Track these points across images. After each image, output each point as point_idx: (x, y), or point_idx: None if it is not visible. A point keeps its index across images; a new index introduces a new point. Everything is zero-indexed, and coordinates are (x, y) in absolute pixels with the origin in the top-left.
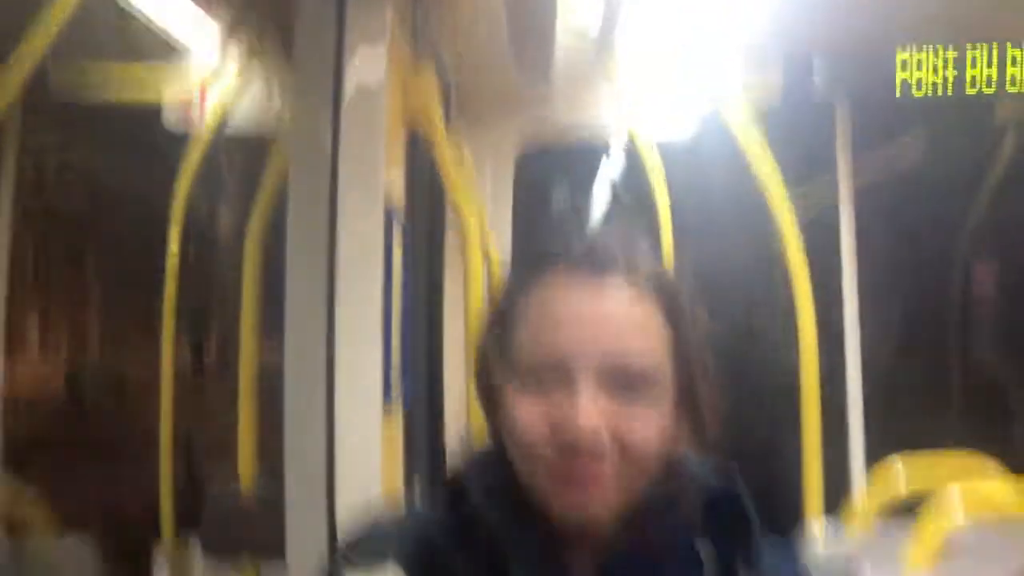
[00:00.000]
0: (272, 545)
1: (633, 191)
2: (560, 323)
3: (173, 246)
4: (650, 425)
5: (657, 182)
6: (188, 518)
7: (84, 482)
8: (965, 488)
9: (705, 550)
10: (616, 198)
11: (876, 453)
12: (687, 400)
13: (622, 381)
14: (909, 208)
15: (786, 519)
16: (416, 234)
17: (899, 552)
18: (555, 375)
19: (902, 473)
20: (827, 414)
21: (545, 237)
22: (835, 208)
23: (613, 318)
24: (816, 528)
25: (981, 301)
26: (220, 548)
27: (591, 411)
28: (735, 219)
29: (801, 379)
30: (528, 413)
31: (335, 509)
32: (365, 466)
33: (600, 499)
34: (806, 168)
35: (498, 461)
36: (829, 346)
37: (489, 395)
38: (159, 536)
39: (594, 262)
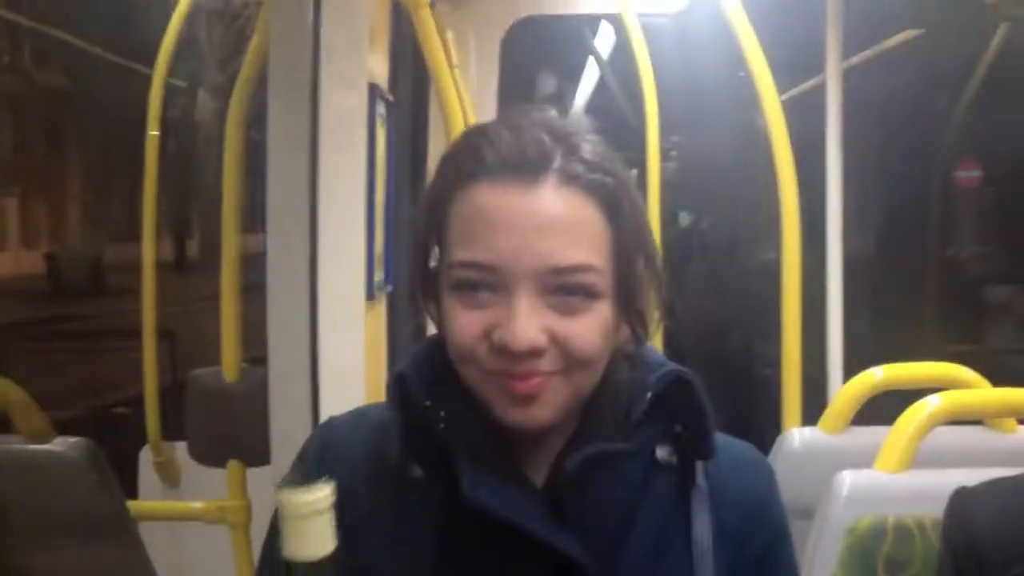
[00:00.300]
0: (255, 435)
1: (620, 72)
2: (494, 231)
3: (152, 129)
4: (591, 328)
5: (643, 62)
6: (173, 416)
7: (66, 372)
8: (943, 395)
9: (662, 449)
10: (603, 79)
11: (854, 357)
12: (629, 296)
13: (561, 286)
14: (895, 103)
15: (762, 424)
16: (400, 114)
17: (873, 458)
18: (491, 284)
19: (880, 379)
20: (806, 315)
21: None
22: (821, 100)
23: (549, 223)
24: (791, 433)
25: (963, 198)
26: (202, 433)
27: (529, 320)
28: (722, 103)
29: (783, 273)
30: (466, 324)
31: (319, 400)
32: (349, 356)
33: (543, 410)
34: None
35: (444, 356)
36: (811, 242)
37: (428, 292)
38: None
39: (529, 163)
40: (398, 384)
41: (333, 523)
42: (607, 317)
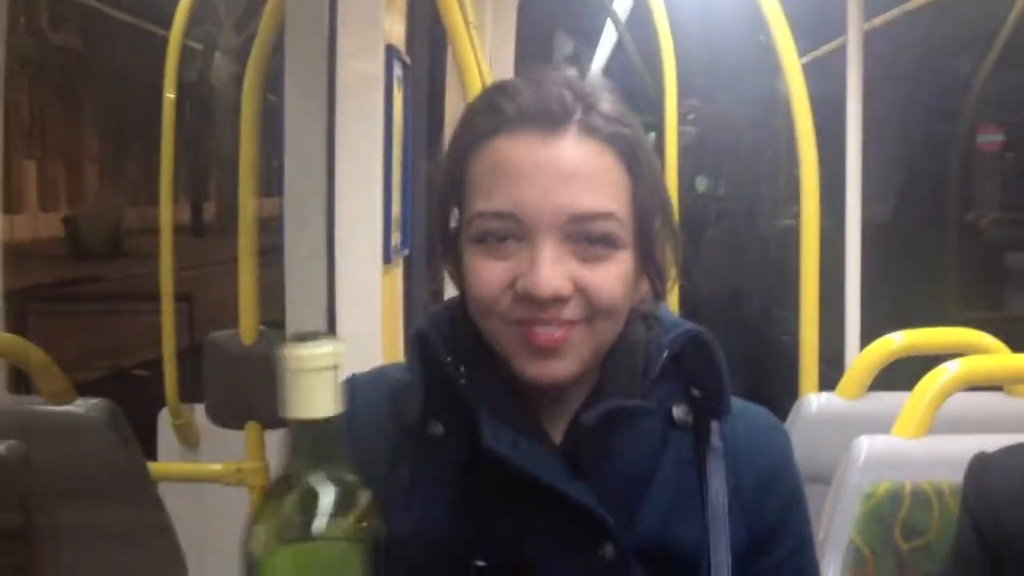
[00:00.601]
0: (272, 398)
1: (638, 35)
2: (516, 180)
3: (169, 92)
4: (614, 277)
5: (662, 25)
6: (192, 379)
7: (86, 334)
8: (961, 361)
9: (679, 408)
10: (620, 42)
11: (873, 323)
12: (648, 249)
13: (583, 234)
14: (916, 66)
15: (779, 390)
16: (417, 75)
17: (891, 424)
18: (514, 234)
19: (898, 345)
20: (824, 281)
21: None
22: (842, 64)
23: (571, 171)
24: (808, 398)
25: (984, 162)
26: (220, 395)
27: (554, 268)
28: (741, 67)
29: (801, 238)
30: (490, 274)
31: None
32: (366, 319)
33: (563, 364)
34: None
35: (465, 315)
36: (830, 207)
37: (448, 250)
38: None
39: (550, 115)
40: (418, 340)
41: (338, 383)
42: (628, 267)
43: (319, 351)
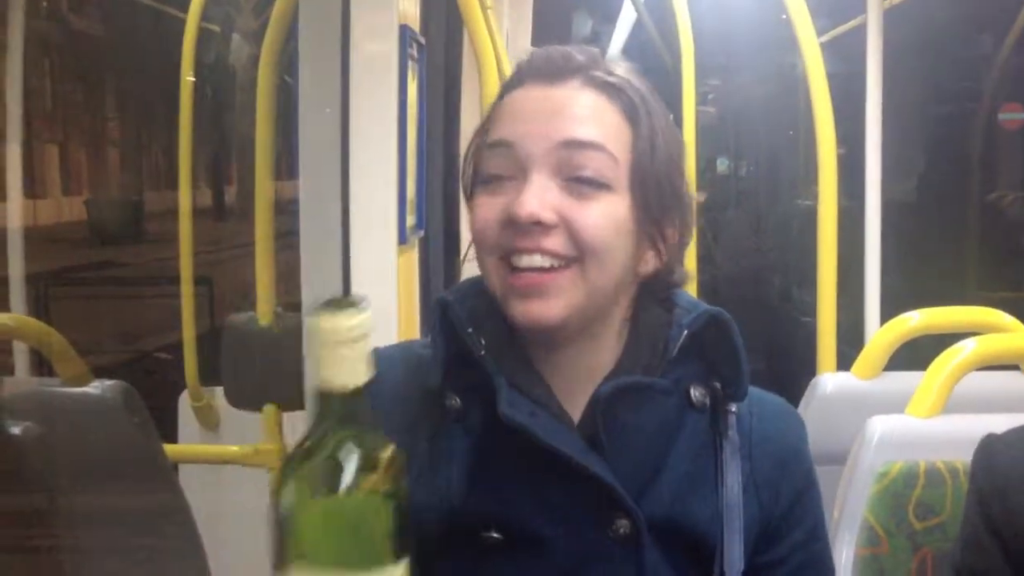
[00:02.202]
0: (290, 379)
1: (657, 14)
2: (515, 117)
3: (187, 75)
4: (601, 215)
5: (680, 4)
6: (212, 361)
7: (107, 318)
8: (978, 340)
9: (696, 390)
10: (639, 21)
11: (892, 303)
12: (648, 208)
13: (573, 168)
14: (937, 44)
15: (798, 370)
16: (432, 56)
17: (907, 403)
18: (511, 170)
19: (915, 324)
20: (844, 261)
21: None
22: (862, 42)
23: (566, 108)
24: (824, 378)
25: (1006, 141)
26: (238, 377)
27: (538, 194)
28: (761, 46)
29: (819, 218)
30: (486, 208)
31: None
32: (382, 301)
33: (552, 304)
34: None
35: (487, 291)
36: (850, 187)
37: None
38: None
39: (556, 67)
40: (440, 309)
41: (368, 352)
42: (620, 213)
43: (350, 322)
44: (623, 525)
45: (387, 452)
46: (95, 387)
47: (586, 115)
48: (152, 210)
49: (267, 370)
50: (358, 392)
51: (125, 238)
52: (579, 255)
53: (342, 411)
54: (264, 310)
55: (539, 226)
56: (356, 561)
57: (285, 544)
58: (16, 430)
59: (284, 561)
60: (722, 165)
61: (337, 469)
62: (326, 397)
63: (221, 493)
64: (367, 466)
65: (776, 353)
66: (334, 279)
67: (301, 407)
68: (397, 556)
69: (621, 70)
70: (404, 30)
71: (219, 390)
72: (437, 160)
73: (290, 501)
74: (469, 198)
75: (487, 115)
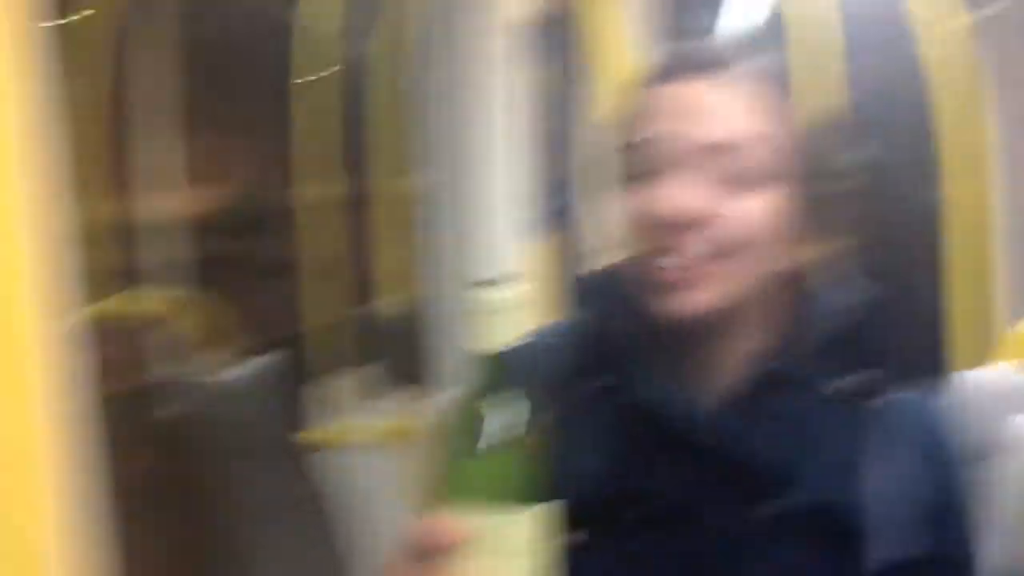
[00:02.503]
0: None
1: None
2: (656, 115)
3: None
4: (747, 210)
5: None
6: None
7: (252, 303)
8: None
9: (840, 382)
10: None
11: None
12: (799, 203)
13: (723, 168)
14: None
15: (927, 368)
16: (552, 42)
17: None
18: (652, 168)
19: None
20: (971, 252)
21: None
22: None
23: (705, 104)
24: (963, 375)
25: None
26: (378, 360)
27: (679, 192)
28: (877, 42)
29: (953, 208)
30: (631, 203)
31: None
32: (509, 291)
33: (697, 294)
34: None
35: (627, 275)
36: (975, 177)
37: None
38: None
39: (696, 62)
40: (581, 289)
41: (517, 322)
42: (767, 207)
43: (502, 295)
44: (767, 512)
45: (536, 414)
46: (246, 367)
47: (730, 114)
48: (298, 201)
49: (403, 354)
50: (507, 358)
51: (265, 228)
52: (726, 250)
53: (493, 375)
54: (399, 297)
55: (685, 222)
56: (498, 507)
57: (437, 493)
58: (175, 410)
59: (436, 505)
60: (854, 155)
61: (489, 428)
62: (480, 362)
63: (356, 474)
64: (516, 425)
65: (914, 347)
66: (459, 273)
67: (439, 387)
68: (534, 503)
69: (760, 61)
70: (519, 23)
71: (356, 373)
72: (559, 150)
73: (444, 460)
74: (613, 192)
75: (632, 109)
